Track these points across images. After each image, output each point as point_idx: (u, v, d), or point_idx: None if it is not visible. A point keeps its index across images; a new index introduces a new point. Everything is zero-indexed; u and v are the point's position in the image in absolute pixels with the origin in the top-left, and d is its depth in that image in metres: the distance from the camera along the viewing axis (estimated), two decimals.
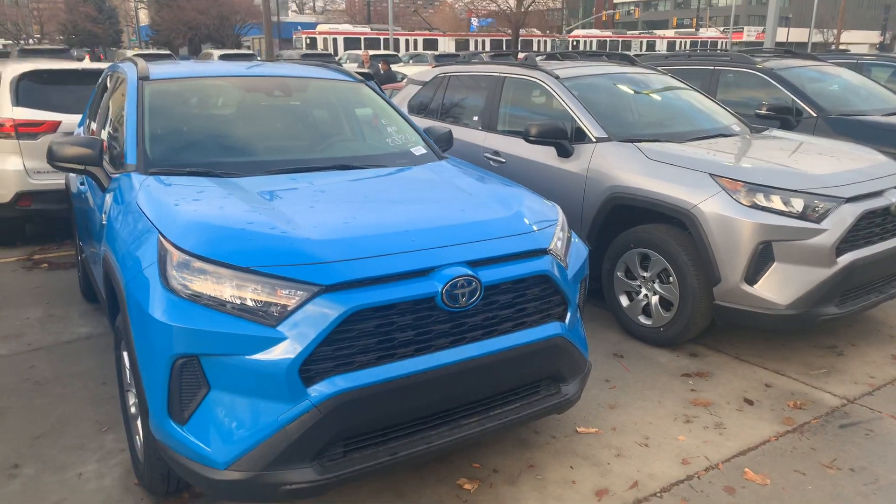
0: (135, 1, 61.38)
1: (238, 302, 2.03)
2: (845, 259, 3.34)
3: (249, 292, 2.03)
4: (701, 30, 64.95)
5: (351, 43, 42.65)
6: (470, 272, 2.21)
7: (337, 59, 27.34)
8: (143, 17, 66.71)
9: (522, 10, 43.80)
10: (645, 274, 3.85)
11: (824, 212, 3.35)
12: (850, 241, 3.37)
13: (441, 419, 2.28)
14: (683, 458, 2.71)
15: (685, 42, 55.29)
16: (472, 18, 56.58)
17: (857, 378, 3.40)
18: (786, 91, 5.84)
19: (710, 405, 3.14)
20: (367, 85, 3.98)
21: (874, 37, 72.90)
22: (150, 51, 31.03)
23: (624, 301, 4.00)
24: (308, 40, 42.60)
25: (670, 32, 61.57)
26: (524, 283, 2.38)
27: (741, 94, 6.29)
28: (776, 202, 3.39)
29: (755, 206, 3.40)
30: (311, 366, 2.01)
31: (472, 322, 2.25)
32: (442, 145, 3.71)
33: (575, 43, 50.48)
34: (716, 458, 2.71)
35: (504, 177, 4.68)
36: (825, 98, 5.86)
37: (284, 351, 1.99)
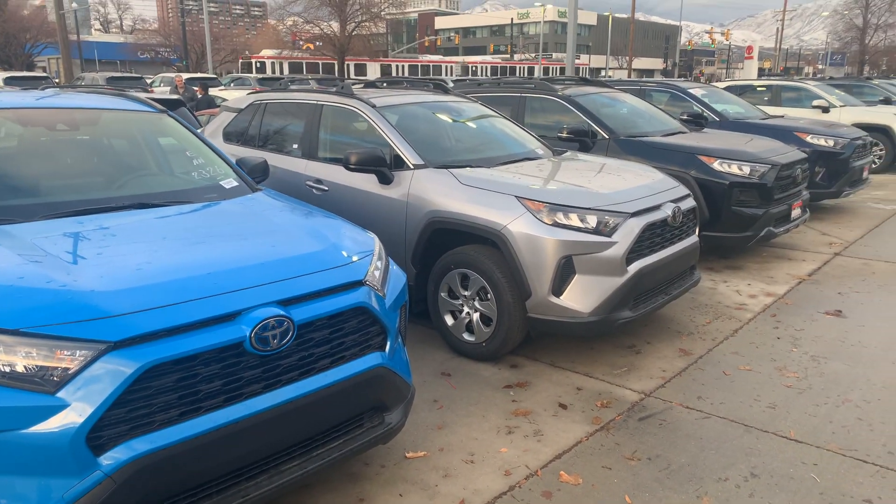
0: None
1: (7, 370, 1.79)
2: (634, 267, 3.75)
3: (21, 357, 1.80)
4: (517, 55, 69.85)
5: (295, 67, 46.36)
6: (281, 312, 2.15)
7: (150, 82, 25.47)
8: None
9: (346, 34, 44.07)
10: (466, 293, 4.02)
11: (614, 226, 3.73)
12: (636, 251, 3.78)
13: (259, 468, 2.18)
14: (506, 469, 2.85)
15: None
16: (298, 42, 55.84)
17: (652, 373, 3.82)
18: (582, 116, 6.45)
19: (530, 414, 3.34)
20: (168, 115, 3.75)
21: (659, 63, 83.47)
22: None
23: (449, 320, 4.13)
24: (258, 64, 45.72)
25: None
26: (340, 317, 2.37)
27: (546, 119, 6.84)
28: (574, 220, 3.72)
29: (556, 224, 3.70)
30: (101, 432, 1.82)
31: (286, 364, 2.19)
32: (256, 176, 3.59)
33: (474, 69, 54.59)
34: (535, 466, 2.88)
35: (327, 204, 4.70)
36: (615, 121, 6.56)
37: (67, 419, 1.78)
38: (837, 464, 2.88)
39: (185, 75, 21.36)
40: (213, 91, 16.70)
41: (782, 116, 9.57)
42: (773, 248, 6.59)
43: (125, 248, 2.36)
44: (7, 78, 18.91)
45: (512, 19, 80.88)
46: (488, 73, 55.21)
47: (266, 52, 49.44)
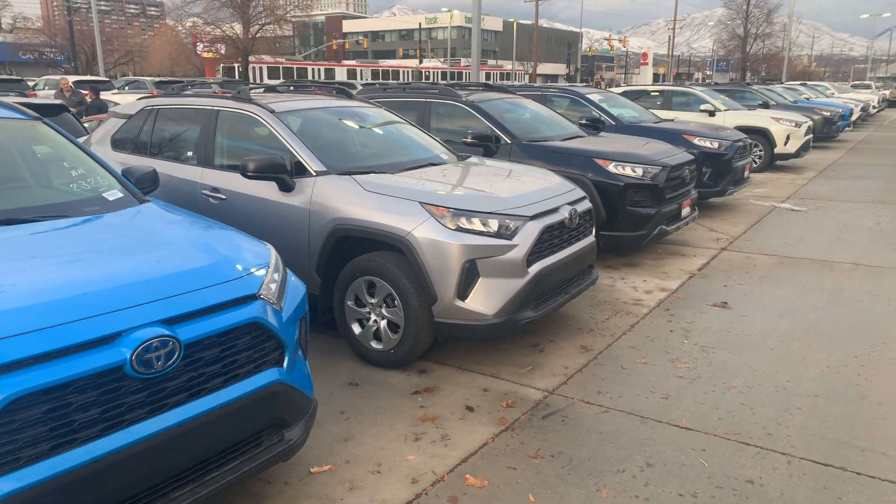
0: None
1: None
2: (534, 268, 3.85)
3: None
4: (426, 60, 70.42)
5: (273, 72, 46.80)
6: (165, 332, 2.04)
7: (33, 85, 23.63)
8: None
9: (250, 37, 42.80)
10: (372, 300, 3.99)
11: (514, 229, 3.82)
12: (536, 252, 3.89)
13: (146, 498, 2.05)
14: (413, 477, 2.84)
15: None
16: (199, 44, 53.67)
17: (555, 370, 3.93)
18: (486, 121, 6.57)
19: (437, 419, 3.35)
20: (43, 122, 3.48)
21: (563, 68, 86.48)
22: None
23: (356, 329, 4.08)
24: (240, 68, 45.45)
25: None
26: (233, 333, 2.28)
27: (451, 124, 6.91)
28: (476, 224, 3.77)
29: (460, 229, 3.74)
30: None
31: (173, 386, 2.08)
32: (144, 186, 3.40)
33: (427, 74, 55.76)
34: (441, 471, 2.89)
35: (226, 214, 4.53)
36: (517, 126, 6.73)
37: None
38: (723, 448, 3.07)
39: (73, 78, 20.01)
40: (105, 95, 15.72)
41: (673, 120, 10.15)
42: (666, 245, 6.97)
43: None
44: None
45: (420, 24, 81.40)
46: (440, 79, 56.76)
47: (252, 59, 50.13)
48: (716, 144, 8.29)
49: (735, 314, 4.89)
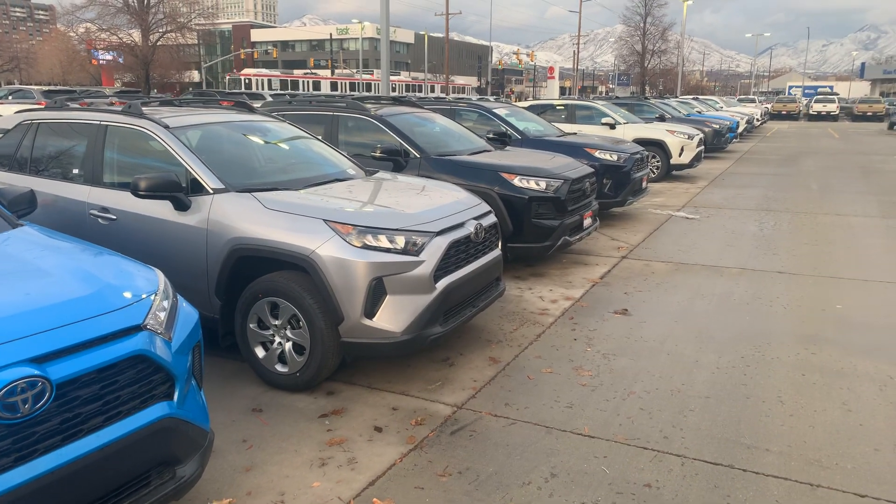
0: None
1: None
2: (441, 284, 3.86)
3: None
4: (338, 71, 69.89)
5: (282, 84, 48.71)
6: (34, 371, 1.88)
7: None
8: None
9: (150, 45, 40.93)
10: (276, 322, 3.86)
11: (421, 246, 3.82)
12: (443, 268, 3.90)
13: None
14: None
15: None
16: (94, 51, 50.71)
17: (465, 384, 3.96)
18: (394, 136, 6.56)
19: (345, 441, 3.28)
20: None
21: (474, 81, 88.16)
22: None
23: (260, 352, 3.94)
24: (246, 80, 47.53)
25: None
26: (114, 368, 2.13)
27: (360, 138, 6.86)
28: (383, 241, 3.74)
29: (366, 247, 3.69)
30: None
31: (43, 429, 1.92)
32: (19, 208, 3.15)
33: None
34: (348, 496, 2.82)
35: (116, 235, 4.27)
36: (426, 141, 6.77)
37: None
38: (623, 453, 3.18)
39: None
40: None
41: (576, 133, 10.54)
42: (571, 255, 7.21)
43: None
44: None
45: (331, 35, 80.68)
46: (403, 91, 57.25)
47: (249, 70, 49.34)
48: (615, 157, 8.68)
49: (635, 321, 5.11)
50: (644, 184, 9.43)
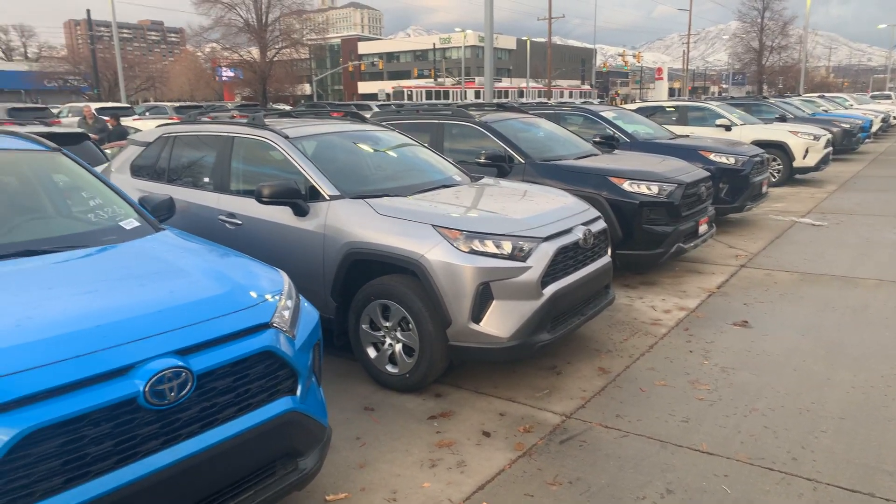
0: None
1: None
2: (549, 290, 3.82)
3: None
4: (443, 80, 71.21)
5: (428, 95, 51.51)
6: (178, 363, 2.05)
7: (56, 112, 24.19)
8: None
9: (267, 61, 43.56)
10: (387, 324, 3.97)
11: (528, 251, 3.80)
12: (550, 274, 3.86)
13: None
14: None
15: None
16: (219, 69, 54.70)
17: (573, 394, 3.88)
18: (499, 141, 6.58)
19: (454, 444, 3.31)
20: (62, 153, 3.55)
21: (578, 84, 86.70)
22: None
23: (371, 352, 4.07)
24: (408, 92, 52.02)
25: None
26: (245, 363, 2.28)
27: (465, 145, 6.94)
28: (490, 246, 3.76)
29: (473, 252, 3.72)
30: None
31: (186, 416, 2.08)
32: (161, 215, 3.44)
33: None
34: (458, 498, 2.85)
35: (241, 239, 4.57)
36: (530, 146, 6.73)
37: None
38: (746, 473, 2.99)
39: (96, 105, 20.46)
40: (127, 121, 16.04)
41: (688, 136, 10.09)
42: (684, 263, 6.89)
43: (7, 300, 2.19)
44: None
45: (434, 44, 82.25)
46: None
47: (408, 83, 54.57)
48: (732, 160, 8.22)
49: (756, 333, 4.80)
50: (764, 188, 8.86)
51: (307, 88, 66.82)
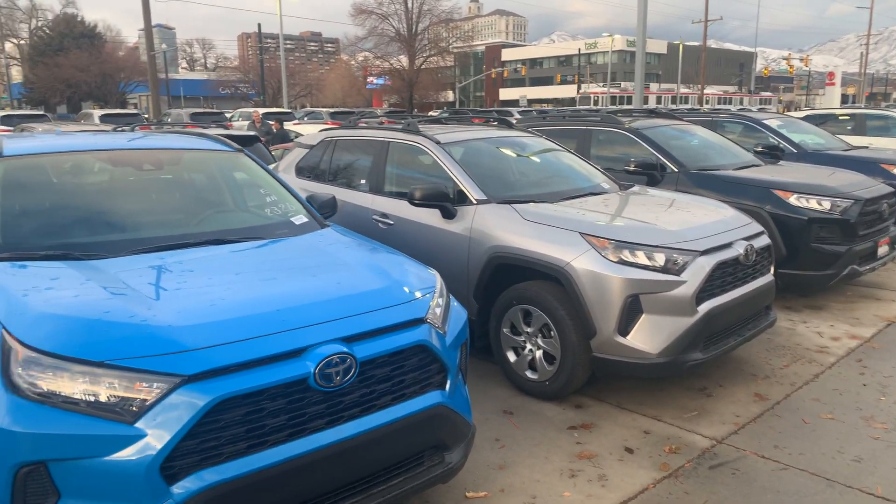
0: (5, 58, 57.71)
1: (92, 399, 1.90)
2: (704, 307, 3.62)
3: (104, 388, 1.91)
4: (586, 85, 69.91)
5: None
6: (344, 349, 2.20)
7: (229, 116, 26.85)
8: (16, 75, 62.80)
9: (415, 68, 45.30)
10: (528, 329, 3.98)
11: (683, 264, 3.62)
12: (707, 290, 3.65)
13: (320, 502, 2.21)
14: None
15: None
16: (369, 77, 57.78)
17: (725, 418, 3.65)
18: (650, 149, 6.34)
19: (594, 457, 3.25)
20: (244, 153, 3.94)
21: (733, 91, 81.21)
22: (22, 111, 29.12)
23: (511, 357, 4.09)
24: (595, 98, 53.98)
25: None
26: (401, 354, 2.39)
27: (613, 152, 6.77)
28: (641, 257, 3.64)
29: (622, 262, 3.63)
30: (174, 462, 1.91)
31: (348, 400, 2.23)
32: (325, 212, 3.71)
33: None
34: None
35: (392, 238, 4.79)
36: (685, 154, 6.42)
37: (143, 449, 1.87)
38: None
39: (262, 110, 22.43)
40: (288, 125, 17.45)
41: (867, 147, 9.08)
42: (858, 287, 6.21)
43: (201, 283, 2.48)
44: (102, 115, 20.36)
45: (580, 49, 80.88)
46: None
47: (594, 88, 56.64)
48: None
49: None
50: None
51: (450, 95, 68.57)
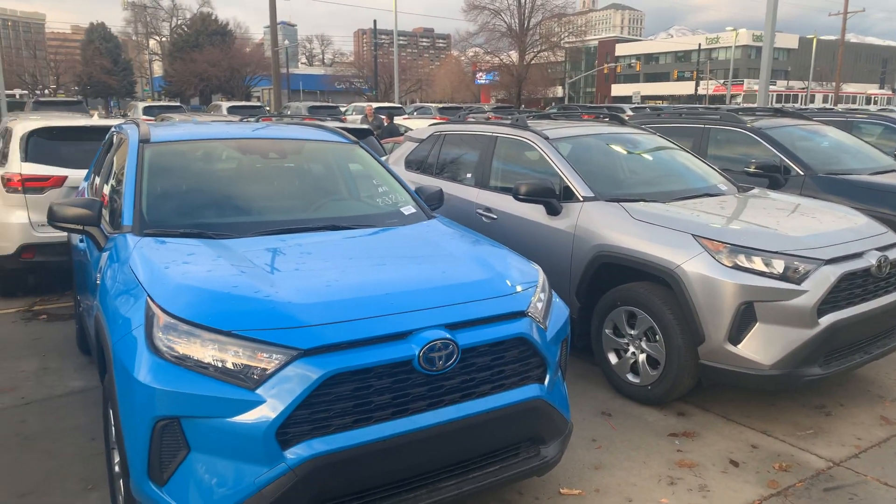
0: (149, 54, 63.44)
1: (220, 365, 2.09)
2: (827, 320, 3.38)
3: (230, 355, 2.09)
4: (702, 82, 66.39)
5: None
6: (447, 335, 2.27)
7: (343, 110, 27.96)
8: (157, 69, 68.80)
9: (525, 63, 44.97)
10: (632, 332, 3.89)
11: (805, 273, 3.40)
12: (831, 302, 3.41)
13: (419, 482, 2.30)
14: None
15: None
16: (478, 73, 58.08)
17: (844, 440, 3.40)
18: (773, 150, 5.97)
19: (696, 466, 3.13)
20: (360, 145, 4.12)
21: (872, 90, 74.19)
22: (161, 102, 31.86)
23: (612, 358, 4.02)
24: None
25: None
26: (502, 345, 2.43)
27: (731, 152, 6.43)
28: (757, 263, 3.46)
29: (737, 267, 3.46)
30: (288, 429, 2.05)
31: (449, 385, 2.30)
32: (432, 204, 3.81)
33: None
34: None
35: (495, 232, 4.84)
36: (813, 156, 5.98)
37: (262, 414, 2.03)
38: None
39: (374, 104, 23.19)
40: (398, 119, 17.94)
41: None
42: None
43: (318, 264, 2.64)
44: (230, 107, 21.89)
45: (700, 44, 76.94)
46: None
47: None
48: None
49: None
50: None
51: (559, 91, 67.51)
